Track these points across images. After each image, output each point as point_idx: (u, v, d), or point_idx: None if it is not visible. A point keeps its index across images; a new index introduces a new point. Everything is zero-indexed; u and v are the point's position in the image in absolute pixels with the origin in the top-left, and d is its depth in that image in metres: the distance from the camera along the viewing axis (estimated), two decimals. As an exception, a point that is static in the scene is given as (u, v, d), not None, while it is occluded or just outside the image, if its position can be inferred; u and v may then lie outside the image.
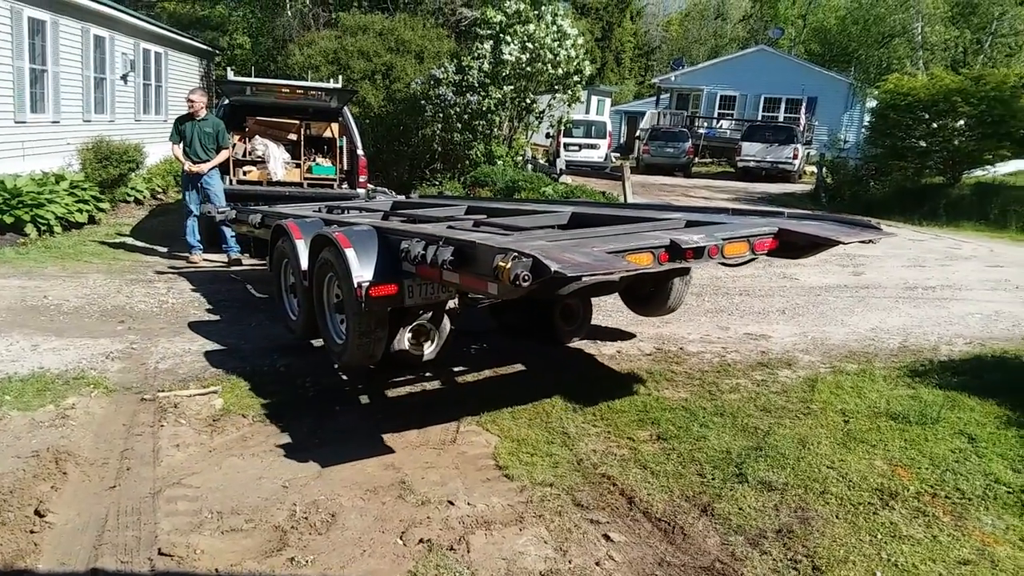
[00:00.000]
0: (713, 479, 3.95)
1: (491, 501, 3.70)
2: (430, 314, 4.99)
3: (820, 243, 4.72)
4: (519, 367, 5.64)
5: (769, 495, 3.78)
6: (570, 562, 3.23)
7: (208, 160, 8.98)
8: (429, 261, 3.88)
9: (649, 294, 6.01)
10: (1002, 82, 16.30)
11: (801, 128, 28.03)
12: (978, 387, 5.14)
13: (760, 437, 4.43)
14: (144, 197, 13.57)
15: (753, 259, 4.57)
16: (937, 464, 4.09)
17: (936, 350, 6.09)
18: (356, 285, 4.28)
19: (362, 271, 4.33)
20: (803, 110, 30.81)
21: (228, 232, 8.84)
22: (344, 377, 5.30)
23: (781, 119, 30.96)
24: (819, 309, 7.47)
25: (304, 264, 5.24)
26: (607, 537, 3.43)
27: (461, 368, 5.50)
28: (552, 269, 3.27)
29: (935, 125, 16.99)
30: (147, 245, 10.03)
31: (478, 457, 4.18)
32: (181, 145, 8.97)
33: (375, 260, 4.39)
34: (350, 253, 4.40)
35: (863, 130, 24.60)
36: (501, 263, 3.37)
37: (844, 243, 4.74)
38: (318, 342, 5.60)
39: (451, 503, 3.67)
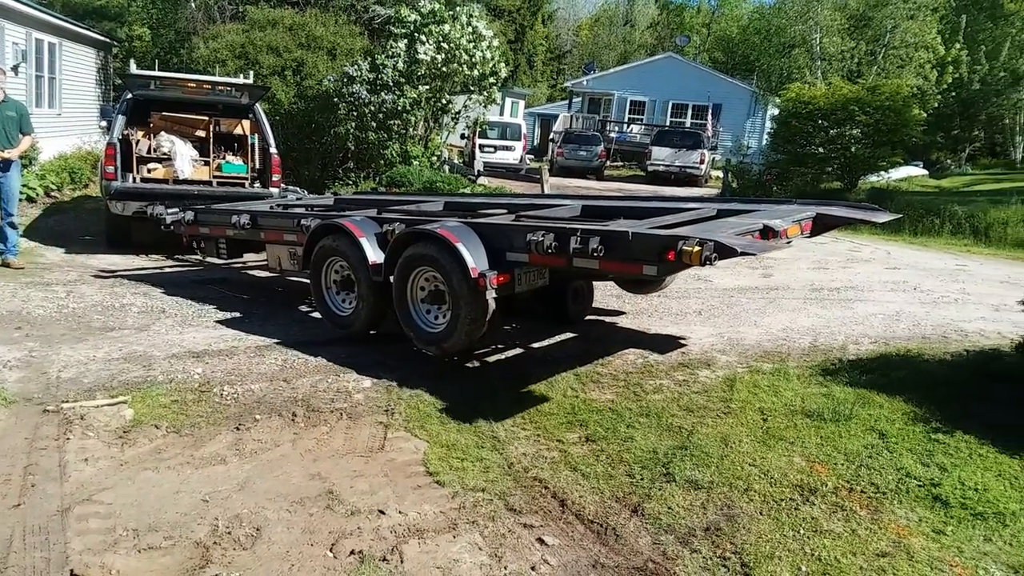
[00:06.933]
0: (642, 479, 3.99)
1: (423, 509, 3.63)
2: None
3: (852, 222, 5.67)
4: (446, 370, 5.58)
5: (696, 494, 3.84)
6: (505, 568, 3.21)
7: (14, 147, 8.18)
8: (572, 250, 4.39)
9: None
10: (895, 92, 17.19)
11: (708, 134, 28.87)
12: (885, 384, 5.36)
13: (685, 436, 4.50)
14: (37, 195, 12.82)
15: (792, 240, 5.18)
16: (852, 460, 4.24)
17: (844, 349, 6.33)
18: (478, 275, 4.77)
19: (476, 263, 4.80)
20: (709, 116, 31.76)
21: (14, 233, 8.28)
22: (259, 386, 5.11)
23: (688, 125, 31.86)
24: (733, 310, 7.67)
25: (376, 259, 5.62)
26: (541, 541, 3.42)
27: (382, 372, 5.40)
28: (738, 250, 3.86)
29: (833, 132, 17.76)
30: (42, 246, 9.46)
31: (407, 464, 4.10)
32: None
33: (483, 252, 4.88)
34: (461, 248, 4.85)
35: (766, 136, 25.56)
36: (687, 248, 3.93)
37: (878, 222, 5.71)
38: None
39: (382, 512, 3.58)
